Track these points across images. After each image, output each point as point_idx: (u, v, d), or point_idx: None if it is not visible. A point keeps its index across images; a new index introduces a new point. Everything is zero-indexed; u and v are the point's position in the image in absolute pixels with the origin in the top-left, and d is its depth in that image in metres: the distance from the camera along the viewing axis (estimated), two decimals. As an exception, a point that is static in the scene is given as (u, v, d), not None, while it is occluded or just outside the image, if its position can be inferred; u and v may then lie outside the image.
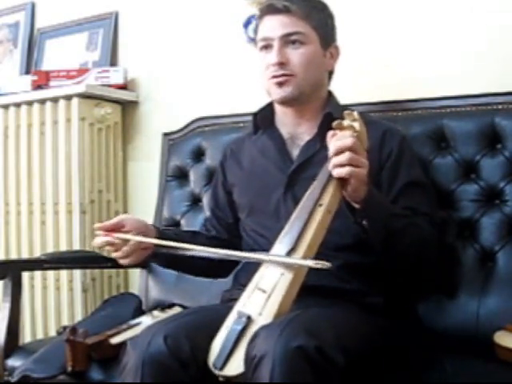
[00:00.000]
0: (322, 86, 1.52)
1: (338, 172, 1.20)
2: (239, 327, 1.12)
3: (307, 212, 1.21)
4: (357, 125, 1.24)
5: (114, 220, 1.40)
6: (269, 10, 1.47)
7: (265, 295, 1.15)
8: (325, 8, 1.51)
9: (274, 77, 1.44)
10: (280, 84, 1.44)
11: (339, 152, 1.19)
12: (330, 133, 1.24)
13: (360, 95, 1.75)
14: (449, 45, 1.77)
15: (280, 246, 1.21)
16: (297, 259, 1.17)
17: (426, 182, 1.48)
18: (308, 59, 1.44)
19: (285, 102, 1.47)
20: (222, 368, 1.09)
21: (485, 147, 1.56)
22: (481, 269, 1.51)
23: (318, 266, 1.12)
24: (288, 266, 1.16)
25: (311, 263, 1.13)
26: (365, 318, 1.29)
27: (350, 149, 1.18)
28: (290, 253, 1.18)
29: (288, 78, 1.44)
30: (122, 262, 1.39)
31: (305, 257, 1.17)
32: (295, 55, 1.44)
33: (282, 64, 1.43)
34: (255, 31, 1.54)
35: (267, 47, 1.47)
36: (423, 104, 1.68)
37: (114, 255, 1.39)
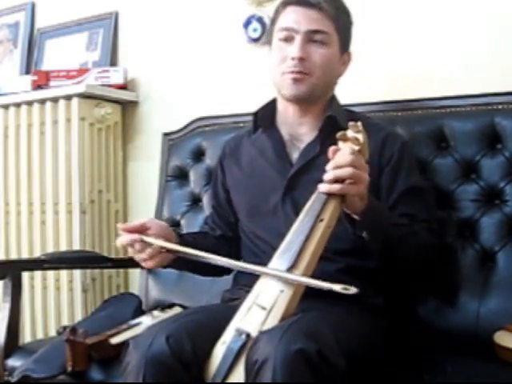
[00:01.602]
0: (330, 89, 1.50)
1: (330, 188, 1.18)
2: (238, 344, 1.11)
3: (308, 227, 1.18)
4: (360, 136, 1.22)
5: (138, 222, 1.37)
6: (299, 0, 1.42)
7: (264, 312, 1.13)
8: (349, 15, 1.49)
9: (292, 72, 1.41)
10: (296, 80, 1.41)
11: (339, 167, 1.17)
12: (333, 148, 1.21)
13: (360, 95, 1.75)
14: (449, 45, 1.77)
15: (279, 262, 1.18)
16: (320, 282, 1.12)
17: (425, 187, 1.47)
18: (327, 61, 1.42)
19: (294, 99, 1.45)
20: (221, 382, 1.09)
21: (485, 147, 1.56)
22: (481, 269, 1.51)
23: (345, 292, 1.09)
24: (288, 283, 1.14)
25: (338, 288, 1.09)
26: (365, 320, 1.29)
27: (351, 165, 1.16)
28: (290, 270, 1.15)
29: (304, 77, 1.41)
30: (146, 264, 1.36)
31: (304, 274, 1.15)
32: (316, 54, 1.41)
33: (302, 59, 1.40)
34: (273, 19, 1.48)
35: (287, 39, 1.43)
36: (423, 104, 1.68)
37: (137, 257, 1.35)
